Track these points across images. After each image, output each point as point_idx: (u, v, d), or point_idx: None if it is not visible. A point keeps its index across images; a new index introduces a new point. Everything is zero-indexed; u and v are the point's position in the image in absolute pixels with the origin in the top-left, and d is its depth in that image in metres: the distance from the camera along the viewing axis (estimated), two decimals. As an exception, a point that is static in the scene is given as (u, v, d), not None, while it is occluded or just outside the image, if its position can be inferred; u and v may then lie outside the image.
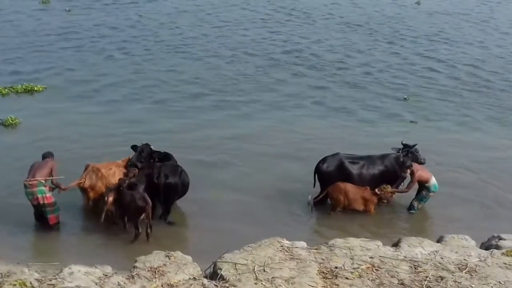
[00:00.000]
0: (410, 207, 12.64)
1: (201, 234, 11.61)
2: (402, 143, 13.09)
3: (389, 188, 12.35)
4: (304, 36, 25.78)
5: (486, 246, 9.07)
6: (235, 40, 24.81)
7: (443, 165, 14.30)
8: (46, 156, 11.72)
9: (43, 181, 11.26)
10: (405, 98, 18.98)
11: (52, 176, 11.45)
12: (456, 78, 21.21)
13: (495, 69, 22.29)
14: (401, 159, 12.66)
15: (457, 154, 15.19)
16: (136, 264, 7.91)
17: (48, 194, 11.33)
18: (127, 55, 22.45)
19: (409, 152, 12.87)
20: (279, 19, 28.64)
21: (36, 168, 11.37)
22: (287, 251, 8.24)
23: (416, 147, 13.04)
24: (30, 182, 11.14)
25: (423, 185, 12.50)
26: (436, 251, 8.39)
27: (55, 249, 11.21)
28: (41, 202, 11.26)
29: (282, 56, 22.92)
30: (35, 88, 18.35)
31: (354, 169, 12.60)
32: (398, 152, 12.92)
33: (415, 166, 12.44)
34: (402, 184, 12.80)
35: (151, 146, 12.67)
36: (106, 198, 11.37)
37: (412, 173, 12.36)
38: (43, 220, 11.51)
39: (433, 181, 12.48)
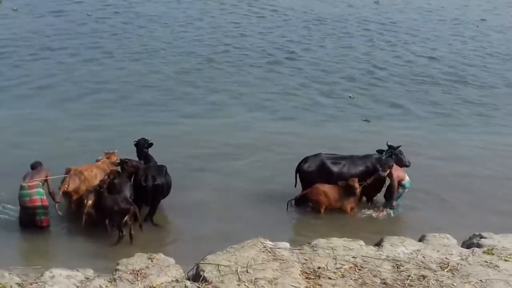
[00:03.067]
0: (390, 206, 12.69)
1: (183, 236, 11.58)
2: (387, 144, 13.10)
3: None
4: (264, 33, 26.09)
5: (468, 244, 9.13)
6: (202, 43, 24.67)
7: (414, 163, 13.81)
8: (35, 165, 11.69)
9: (41, 183, 11.34)
10: (350, 97, 19.05)
11: (48, 185, 11.51)
12: (399, 72, 21.80)
13: (443, 65, 22.88)
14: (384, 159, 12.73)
15: (421, 151, 15.22)
16: (118, 267, 7.85)
17: (45, 197, 11.34)
18: (73, 57, 21.87)
19: (393, 154, 12.89)
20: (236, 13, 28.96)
21: (33, 173, 11.44)
22: (270, 252, 8.23)
23: (400, 148, 13.05)
24: (30, 183, 11.19)
25: (398, 184, 12.56)
26: (418, 250, 8.43)
27: (37, 253, 11.06)
28: (38, 204, 11.21)
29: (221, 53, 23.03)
30: None
31: (335, 169, 12.62)
32: (382, 153, 12.94)
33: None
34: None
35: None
36: (85, 201, 11.30)
37: (390, 175, 12.43)
38: (30, 223, 11.37)
39: (407, 178, 12.58)
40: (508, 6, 33.56)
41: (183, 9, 29.37)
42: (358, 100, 18.92)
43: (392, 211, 12.62)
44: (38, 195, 11.25)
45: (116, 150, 12.85)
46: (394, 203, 12.65)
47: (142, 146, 12.78)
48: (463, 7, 33.06)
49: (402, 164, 12.88)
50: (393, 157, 12.81)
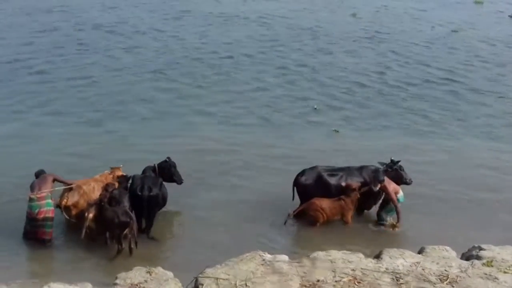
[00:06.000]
0: (380, 219, 12.62)
1: (182, 249, 11.54)
2: (391, 159, 12.97)
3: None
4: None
5: (467, 256, 9.10)
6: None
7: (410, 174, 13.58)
8: (40, 173, 11.70)
9: (50, 194, 11.34)
10: (315, 108, 18.87)
11: (60, 181, 11.64)
12: (365, 85, 21.32)
13: (402, 76, 22.52)
14: (377, 173, 12.55)
15: (416, 163, 14.89)
16: (117, 281, 7.83)
17: (52, 208, 11.36)
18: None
19: (392, 169, 12.78)
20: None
21: (40, 183, 11.41)
22: (268, 265, 8.20)
23: (400, 163, 12.91)
24: (38, 195, 11.17)
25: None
26: (417, 263, 8.41)
27: (35, 267, 11.04)
28: (46, 215, 11.22)
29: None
30: None
31: (332, 181, 12.60)
32: (383, 165, 12.87)
33: (385, 179, 12.42)
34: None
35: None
36: (86, 214, 11.27)
37: (385, 188, 12.33)
38: (34, 235, 11.35)
39: (401, 192, 12.52)
40: (481, 17, 33.51)
41: (178, 25, 29.20)
42: (321, 110, 18.70)
43: (383, 222, 12.56)
44: (47, 207, 11.25)
45: (121, 165, 12.79)
46: (385, 216, 12.50)
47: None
48: (438, 18, 32.74)
49: (401, 181, 12.75)
50: (391, 171, 12.76)
